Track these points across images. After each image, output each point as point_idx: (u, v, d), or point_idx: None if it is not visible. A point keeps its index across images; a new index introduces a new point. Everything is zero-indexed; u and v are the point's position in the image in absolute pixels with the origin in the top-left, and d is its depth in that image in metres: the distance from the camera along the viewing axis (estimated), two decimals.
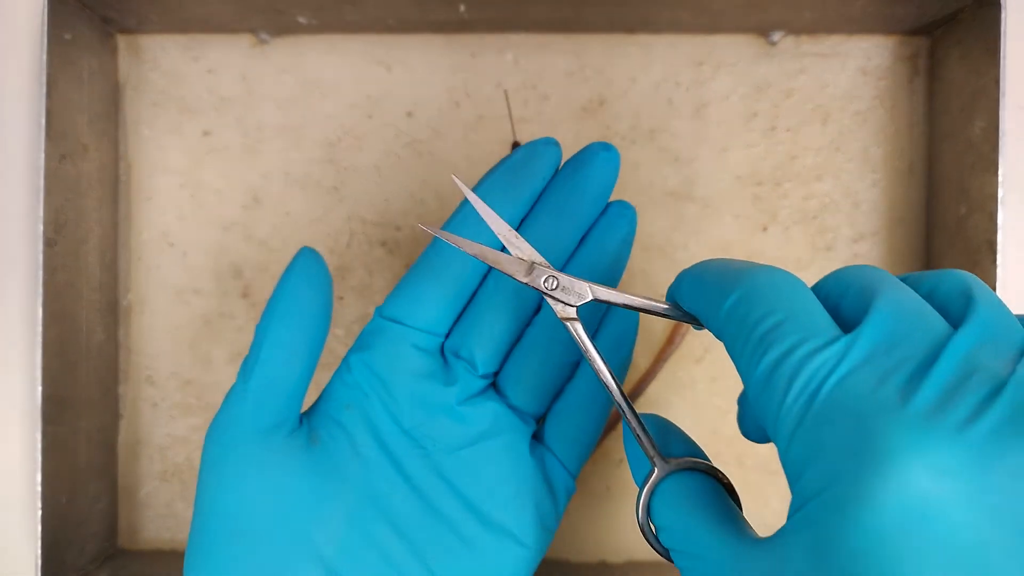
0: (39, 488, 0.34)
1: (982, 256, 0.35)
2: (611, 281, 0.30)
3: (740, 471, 0.40)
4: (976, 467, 0.16)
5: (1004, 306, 0.20)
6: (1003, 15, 0.34)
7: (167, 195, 0.41)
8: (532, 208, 0.30)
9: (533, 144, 0.29)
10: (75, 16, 0.36)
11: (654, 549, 0.24)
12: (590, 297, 0.26)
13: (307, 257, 0.29)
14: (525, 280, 0.26)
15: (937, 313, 0.19)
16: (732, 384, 0.40)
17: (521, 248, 0.26)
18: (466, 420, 0.29)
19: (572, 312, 0.26)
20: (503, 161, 0.30)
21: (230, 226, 0.40)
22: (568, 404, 0.30)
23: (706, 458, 0.25)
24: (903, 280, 0.21)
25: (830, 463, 0.17)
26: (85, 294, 0.38)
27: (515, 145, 0.39)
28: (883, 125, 0.40)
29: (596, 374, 0.26)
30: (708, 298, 0.22)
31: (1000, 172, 0.34)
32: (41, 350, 0.35)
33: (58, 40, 0.35)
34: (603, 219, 0.30)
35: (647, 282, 0.40)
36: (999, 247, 0.34)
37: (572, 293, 0.26)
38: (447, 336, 0.30)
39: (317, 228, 0.40)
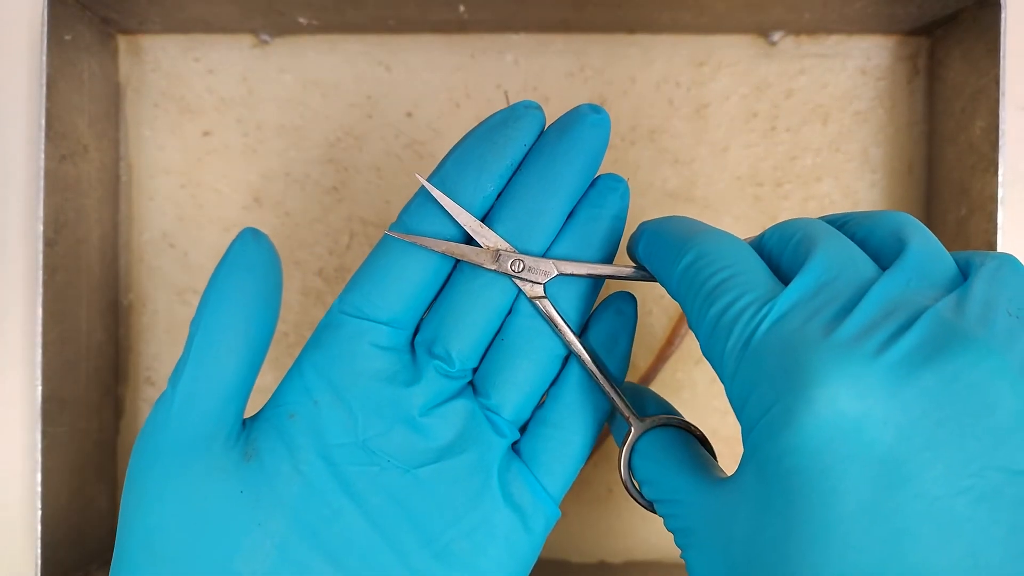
0: (39, 488, 0.34)
1: None
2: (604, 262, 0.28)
3: None
4: (889, 388, 0.18)
5: (937, 244, 0.21)
6: (1003, 15, 0.34)
7: (168, 195, 0.41)
8: (512, 178, 0.26)
9: (513, 107, 0.26)
10: (75, 17, 0.36)
11: (639, 503, 0.26)
12: (555, 273, 0.26)
13: (245, 240, 0.24)
14: (493, 267, 0.25)
15: (868, 258, 0.21)
16: None
17: (487, 237, 0.25)
18: (428, 433, 0.25)
19: (540, 290, 0.26)
20: (480, 125, 0.26)
21: (230, 226, 0.40)
22: (553, 409, 0.27)
23: (679, 415, 0.27)
24: (843, 223, 0.23)
25: (764, 394, 0.19)
26: (85, 294, 0.38)
27: None
28: (883, 125, 0.40)
29: (570, 348, 0.26)
30: (665, 258, 0.24)
31: (1000, 172, 0.34)
32: (41, 350, 0.35)
33: (58, 41, 0.35)
34: (592, 192, 0.27)
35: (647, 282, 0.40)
36: (999, 247, 0.34)
37: (538, 272, 0.26)
38: (416, 332, 0.27)
39: (317, 228, 0.40)
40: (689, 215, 0.40)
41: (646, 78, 0.40)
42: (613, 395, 0.26)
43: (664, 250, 0.24)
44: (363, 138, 0.40)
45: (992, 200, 0.34)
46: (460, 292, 0.26)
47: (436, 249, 0.25)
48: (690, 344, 0.40)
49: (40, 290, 0.35)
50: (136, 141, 0.41)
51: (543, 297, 0.26)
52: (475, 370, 0.27)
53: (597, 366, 0.26)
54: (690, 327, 0.23)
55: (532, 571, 0.27)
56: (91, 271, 0.38)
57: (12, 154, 0.40)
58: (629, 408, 0.26)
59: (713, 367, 0.22)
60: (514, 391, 0.26)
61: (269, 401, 0.26)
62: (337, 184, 0.40)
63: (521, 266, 0.25)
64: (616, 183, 0.27)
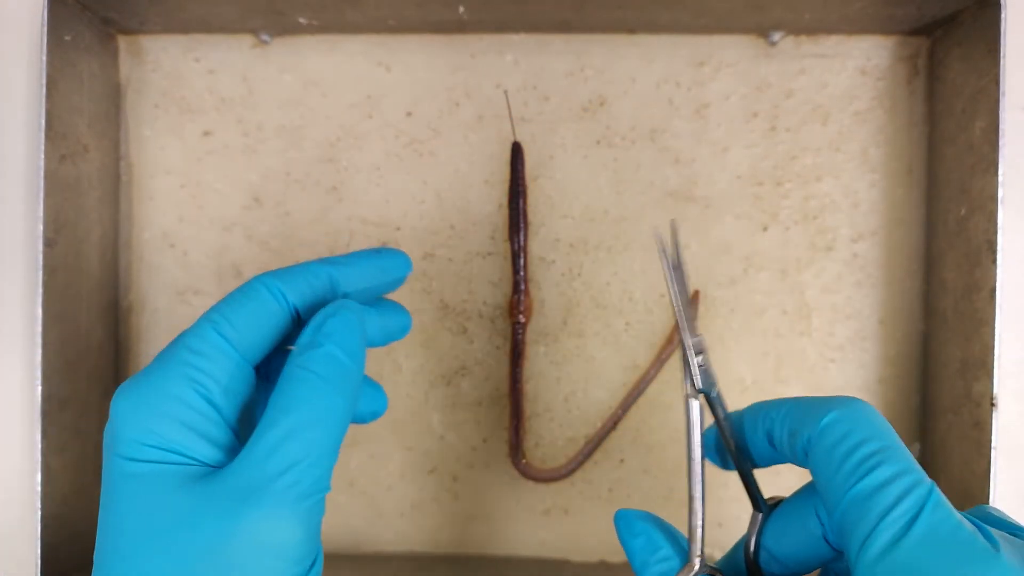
0: (39, 488, 0.34)
1: (982, 256, 0.35)
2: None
3: None
4: None
5: None
6: (1003, 15, 0.34)
7: (168, 195, 0.41)
8: None
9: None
10: (75, 17, 0.36)
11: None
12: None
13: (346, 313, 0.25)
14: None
15: None
16: (732, 384, 0.40)
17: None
18: None
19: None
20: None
21: (230, 226, 0.40)
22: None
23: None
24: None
25: None
26: (85, 294, 0.38)
27: (515, 145, 0.39)
28: (883, 125, 0.40)
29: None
30: (800, 416, 0.24)
31: (1000, 172, 0.34)
32: (41, 350, 0.35)
33: (58, 41, 0.35)
34: None
35: (647, 282, 0.40)
36: (999, 247, 0.34)
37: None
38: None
39: (317, 228, 0.40)
40: (689, 215, 0.40)
41: (646, 78, 0.40)
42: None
43: (800, 410, 0.24)
44: (363, 138, 0.40)
45: (992, 200, 0.34)
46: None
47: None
48: None
49: (40, 290, 0.35)
50: (136, 141, 0.41)
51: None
52: None
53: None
54: (821, 486, 0.22)
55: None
56: (91, 271, 0.38)
57: (12, 154, 0.40)
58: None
59: (844, 533, 0.21)
60: None
61: None
62: (337, 184, 0.40)
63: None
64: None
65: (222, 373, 0.24)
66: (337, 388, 0.24)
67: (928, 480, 0.21)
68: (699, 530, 0.24)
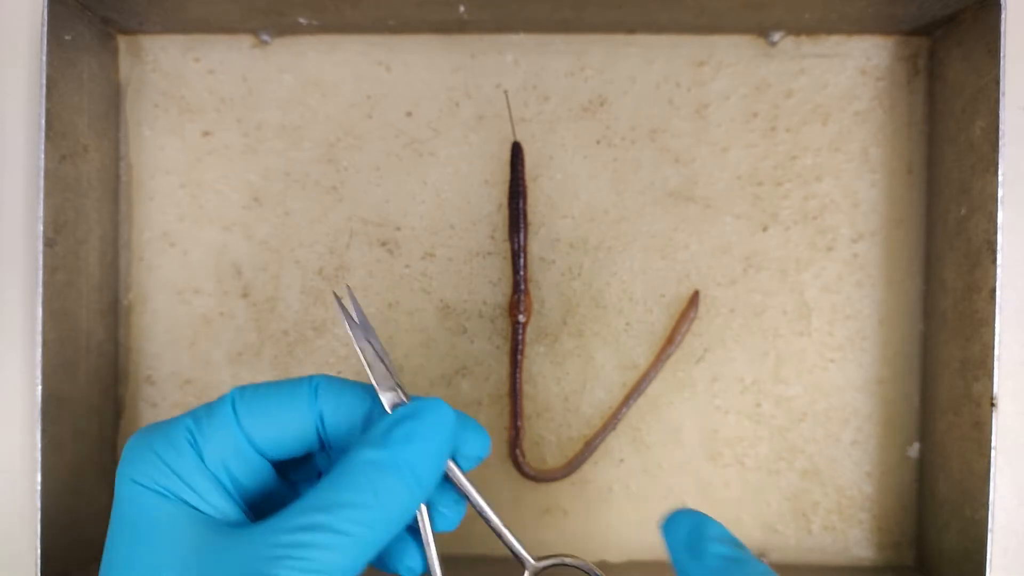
0: (39, 488, 0.34)
1: (982, 256, 0.35)
2: None
3: (740, 471, 0.40)
4: None
5: None
6: (1004, 15, 0.34)
7: (167, 195, 0.41)
8: None
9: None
10: (75, 17, 0.36)
11: None
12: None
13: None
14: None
15: None
16: (732, 384, 0.40)
17: None
18: None
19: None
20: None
21: (230, 226, 0.40)
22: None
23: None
24: None
25: None
26: (85, 294, 0.38)
27: (515, 145, 0.39)
28: (883, 125, 0.40)
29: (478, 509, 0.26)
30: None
31: (1000, 172, 0.34)
32: (41, 350, 0.35)
33: (58, 41, 0.35)
34: None
35: (647, 282, 0.40)
36: (999, 247, 0.34)
37: None
38: None
39: (317, 228, 0.40)
40: (689, 215, 0.40)
41: (646, 78, 0.40)
42: (510, 537, 0.27)
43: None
44: (363, 138, 0.40)
45: (992, 200, 0.34)
46: None
47: None
48: (690, 344, 0.40)
49: (40, 290, 0.35)
50: (136, 141, 0.41)
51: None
52: None
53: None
54: None
55: None
56: (91, 271, 0.38)
57: (12, 154, 0.40)
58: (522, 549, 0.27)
59: None
60: None
61: None
62: (337, 184, 0.40)
63: None
64: None
65: (221, 443, 0.24)
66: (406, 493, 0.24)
67: None
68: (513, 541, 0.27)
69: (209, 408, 0.25)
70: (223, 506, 0.24)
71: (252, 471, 0.25)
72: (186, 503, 0.24)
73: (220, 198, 0.40)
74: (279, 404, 0.25)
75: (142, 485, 0.23)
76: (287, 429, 0.25)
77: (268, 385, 0.26)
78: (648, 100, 0.40)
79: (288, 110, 0.40)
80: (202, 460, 0.24)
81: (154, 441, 0.24)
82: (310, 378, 0.26)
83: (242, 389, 0.25)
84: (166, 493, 0.23)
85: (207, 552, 0.22)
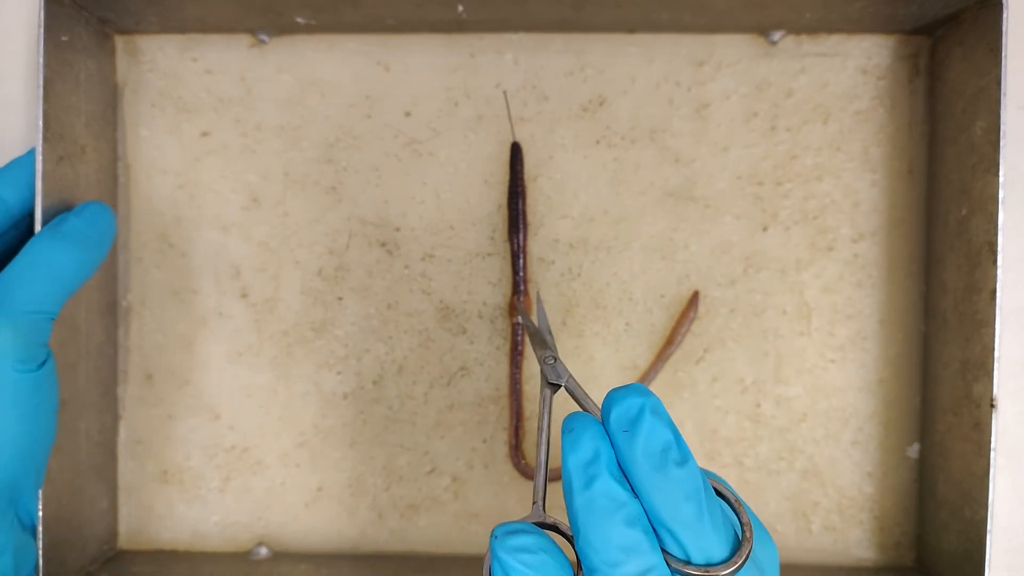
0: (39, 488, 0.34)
1: (982, 257, 0.35)
2: None
3: (739, 471, 0.40)
4: None
5: None
6: (1005, 15, 0.33)
7: (166, 196, 0.40)
8: None
9: None
10: (72, 18, 0.36)
11: None
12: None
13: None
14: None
15: None
16: (732, 384, 0.40)
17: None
18: None
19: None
20: None
21: (229, 227, 0.40)
22: None
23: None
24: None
25: None
26: (85, 294, 0.38)
27: (514, 145, 0.39)
28: (883, 125, 0.40)
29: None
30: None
31: (1001, 172, 0.34)
32: None
33: (55, 42, 0.35)
34: None
35: (647, 282, 0.40)
36: (999, 248, 0.34)
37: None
38: None
39: (316, 228, 0.40)
40: (689, 215, 0.40)
41: (646, 78, 0.40)
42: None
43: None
44: (362, 138, 0.40)
45: (993, 200, 0.34)
46: None
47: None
48: (690, 344, 0.40)
49: None
50: (134, 142, 0.40)
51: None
52: None
53: None
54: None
55: None
56: None
57: (10, 155, 0.39)
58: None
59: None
60: None
61: None
62: (336, 184, 0.40)
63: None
64: None
65: None
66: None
67: None
68: (542, 483, 0.27)
69: None
70: None
71: None
72: None
73: (218, 198, 0.40)
74: None
75: None
76: None
77: None
78: (648, 100, 0.40)
79: (287, 110, 0.40)
80: None
81: None
82: None
83: None
84: None
85: None
